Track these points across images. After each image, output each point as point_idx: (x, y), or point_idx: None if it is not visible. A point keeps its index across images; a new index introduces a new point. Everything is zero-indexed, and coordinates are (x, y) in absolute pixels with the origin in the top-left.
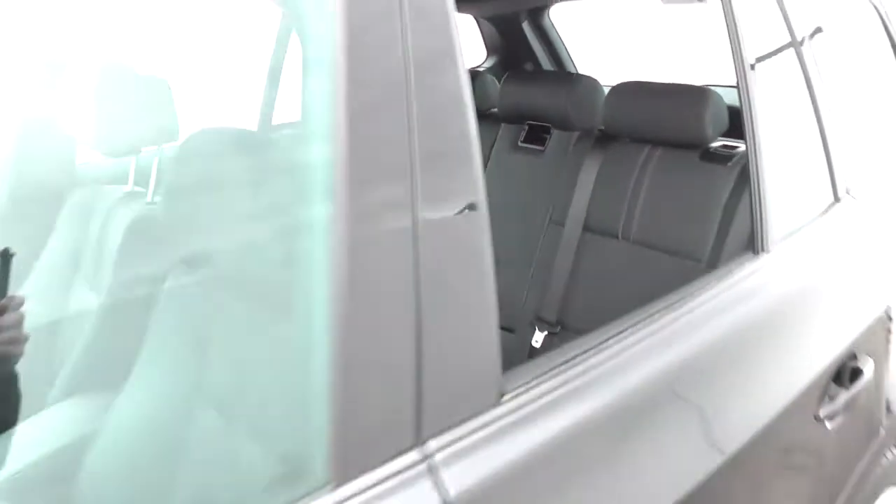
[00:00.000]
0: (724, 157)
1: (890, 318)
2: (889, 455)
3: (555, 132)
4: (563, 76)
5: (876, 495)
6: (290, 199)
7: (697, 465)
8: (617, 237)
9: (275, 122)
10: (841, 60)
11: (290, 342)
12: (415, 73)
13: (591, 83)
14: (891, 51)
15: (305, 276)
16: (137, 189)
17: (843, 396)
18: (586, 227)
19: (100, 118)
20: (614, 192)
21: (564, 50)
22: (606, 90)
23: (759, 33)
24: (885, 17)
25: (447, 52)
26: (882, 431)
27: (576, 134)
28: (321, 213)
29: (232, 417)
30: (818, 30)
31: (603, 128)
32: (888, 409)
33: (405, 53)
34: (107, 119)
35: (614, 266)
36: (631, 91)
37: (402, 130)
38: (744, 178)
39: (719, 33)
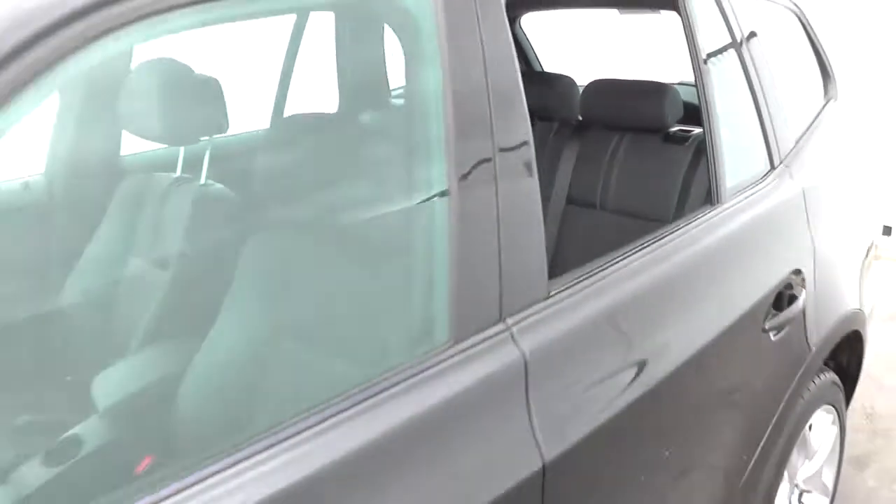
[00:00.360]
0: (681, 138)
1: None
2: (818, 379)
3: (538, 123)
4: (546, 76)
5: (806, 417)
6: (419, 152)
7: (678, 350)
8: (596, 207)
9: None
10: (771, 57)
11: (421, 248)
12: (488, 67)
13: (569, 81)
14: (810, 48)
15: (431, 199)
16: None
17: (783, 315)
18: (569, 200)
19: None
20: (592, 171)
21: (534, 54)
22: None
23: (710, 38)
24: (804, 19)
25: (507, 51)
26: (813, 349)
27: (556, 124)
28: (440, 162)
29: (381, 298)
30: (753, 33)
31: (580, 118)
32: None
33: (483, 53)
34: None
35: (594, 231)
36: (604, 87)
37: (484, 104)
38: (698, 155)
39: (668, 39)
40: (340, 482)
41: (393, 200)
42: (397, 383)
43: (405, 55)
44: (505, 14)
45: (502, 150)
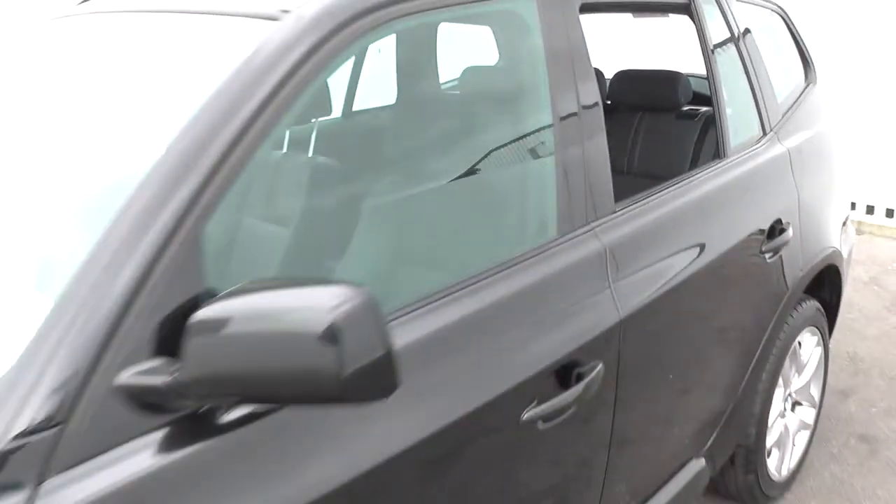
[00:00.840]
0: (691, 115)
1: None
2: (805, 304)
3: None
4: None
5: (796, 333)
6: (535, 106)
7: (703, 255)
8: (623, 173)
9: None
10: (762, 49)
11: (538, 172)
12: (573, 52)
13: (598, 71)
14: (792, 43)
15: (543, 140)
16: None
17: (774, 242)
18: None
19: None
20: (619, 144)
21: None
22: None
23: (715, 36)
24: (787, 20)
25: (581, 38)
26: (800, 273)
27: None
28: (548, 114)
29: (511, 207)
30: (747, 31)
31: (609, 102)
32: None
33: (568, 41)
34: None
35: (623, 192)
36: (629, 75)
37: (571, 77)
38: (705, 128)
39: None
40: (487, 321)
41: (519, 140)
42: (525, 260)
43: (519, 46)
44: (577, 11)
45: (584, 107)
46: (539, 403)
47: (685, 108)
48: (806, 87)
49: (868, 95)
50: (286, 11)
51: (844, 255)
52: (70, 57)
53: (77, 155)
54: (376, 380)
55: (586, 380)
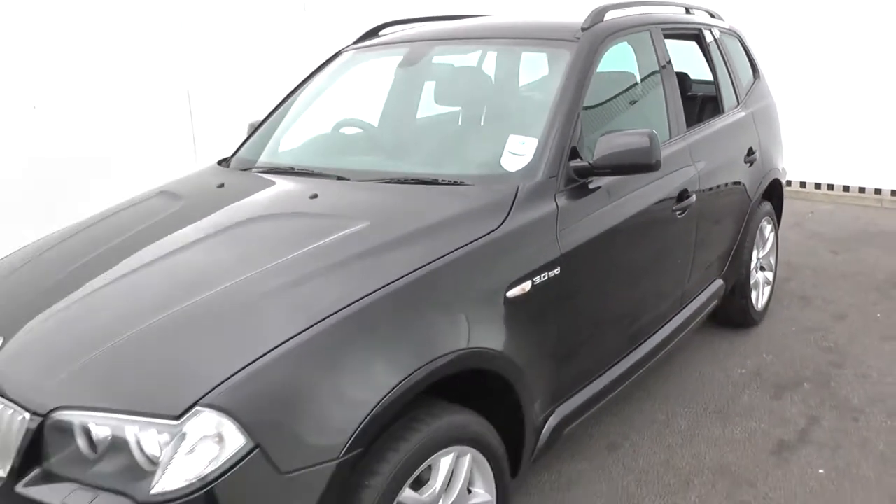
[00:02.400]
0: (692, 97)
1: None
2: (764, 204)
3: None
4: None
5: (759, 219)
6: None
7: (703, 168)
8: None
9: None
10: (735, 58)
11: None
12: (664, 75)
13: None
14: (745, 54)
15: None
16: None
17: (749, 158)
18: None
19: None
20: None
21: None
22: None
23: (712, 53)
24: (742, 39)
25: (663, 62)
26: (762, 179)
27: None
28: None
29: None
30: (726, 47)
31: None
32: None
33: (659, 57)
34: None
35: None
36: None
37: (660, 98)
38: (703, 103)
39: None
40: None
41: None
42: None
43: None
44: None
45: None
46: (681, 200)
47: (689, 94)
48: (755, 80)
49: (788, 89)
50: (580, 35)
51: (784, 176)
52: (407, 78)
53: None
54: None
55: (689, 195)
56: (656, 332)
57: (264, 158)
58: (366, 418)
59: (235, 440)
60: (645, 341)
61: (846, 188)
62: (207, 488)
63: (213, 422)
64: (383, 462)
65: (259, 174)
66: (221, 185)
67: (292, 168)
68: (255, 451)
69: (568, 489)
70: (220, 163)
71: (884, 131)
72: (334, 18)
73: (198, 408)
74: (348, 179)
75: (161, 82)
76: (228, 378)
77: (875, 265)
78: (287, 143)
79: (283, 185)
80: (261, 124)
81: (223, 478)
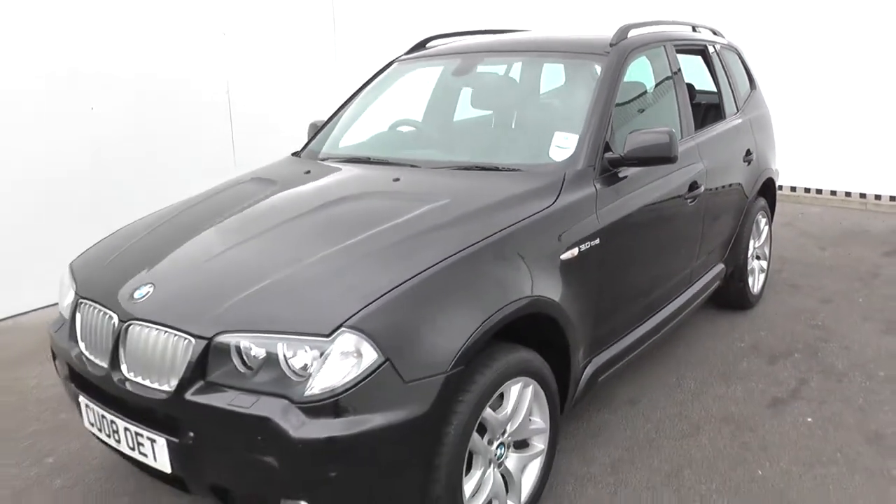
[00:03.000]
0: (696, 105)
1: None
2: (761, 199)
3: None
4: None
5: (755, 214)
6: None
7: (714, 162)
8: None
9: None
10: (734, 71)
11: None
12: (676, 80)
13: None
14: (743, 67)
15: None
16: None
17: (748, 157)
18: None
19: None
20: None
21: None
22: None
23: (715, 67)
24: (741, 54)
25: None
26: (758, 177)
27: None
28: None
29: None
30: (728, 61)
31: None
32: (758, 170)
33: (672, 69)
34: None
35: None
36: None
37: (674, 103)
38: (707, 110)
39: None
40: None
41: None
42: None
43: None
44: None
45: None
46: (691, 190)
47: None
48: (751, 91)
49: (781, 101)
50: (609, 50)
51: (776, 175)
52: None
53: None
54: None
55: (699, 186)
56: (671, 301)
57: (335, 151)
58: (466, 342)
59: (370, 355)
60: (662, 309)
61: (833, 192)
62: (349, 391)
63: (353, 341)
64: (472, 383)
65: (338, 163)
66: (308, 172)
67: (368, 158)
68: (385, 364)
69: (598, 434)
70: (294, 154)
71: (868, 141)
72: (362, 37)
73: (342, 329)
74: (419, 167)
75: (204, 89)
76: (364, 308)
77: (858, 259)
78: (350, 138)
79: (364, 171)
80: (326, 123)
81: (361, 384)
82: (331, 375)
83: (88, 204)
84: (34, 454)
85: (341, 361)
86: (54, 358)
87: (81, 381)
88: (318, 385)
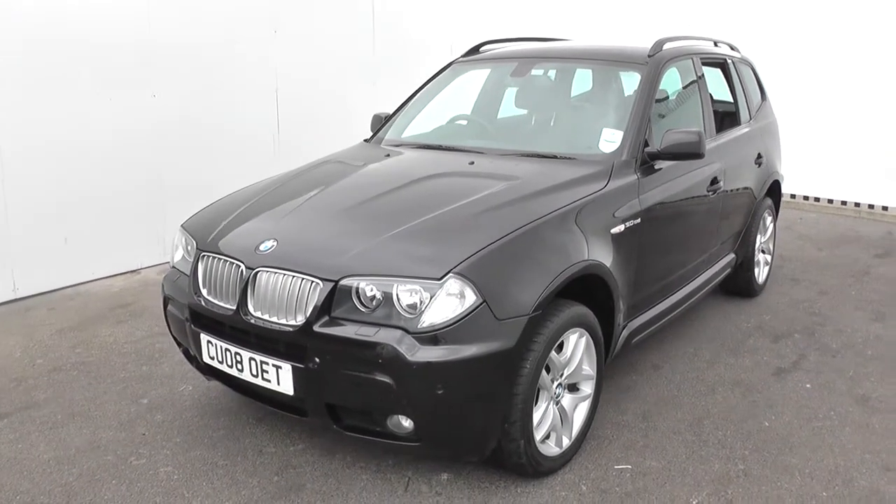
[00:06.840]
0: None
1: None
2: (767, 199)
3: None
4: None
5: (763, 210)
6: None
7: (730, 162)
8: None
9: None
10: (748, 83)
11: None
12: (700, 89)
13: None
14: (755, 80)
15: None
16: None
17: (759, 160)
18: None
19: None
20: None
21: None
22: None
23: (734, 80)
24: (753, 67)
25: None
26: (767, 178)
27: None
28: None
29: None
30: (743, 74)
31: None
32: (767, 172)
33: (697, 74)
34: None
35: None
36: None
37: (699, 109)
38: (723, 118)
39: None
40: None
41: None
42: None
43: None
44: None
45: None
46: (712, 184)
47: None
48: (762, 101)
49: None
50: (647, 60)
51: (782, 178)
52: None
53: None
54: (703, 153)
55: (718, 182)
56: (692, 280)
57: (404, 139)
58: (544, 291)
59: (471, 297)
60: (685, 286)
61: (830, 200)
62: (453, 325)
63: (458, 284)
64: (545, 327)
65: (412, 149)
66: (388, 155)
67: (440, 145)
68: (482, 305)
69: (626, 391)
70: (365, 141)
71: (864, 154)
72: (399, 34)
73: (451, 274)
74: (485, 154)
75: (255, 84)
76: (467, 258)
77: (852, 259)
78: (413, 129)
79: (439, 155)
80: (393, 114)
81: (463, 320)
82: (439, 312)
83: (145, 183)
84: (129, 396)
85: (448, 300)
86: (166, 306)
87: (202, 321)
88: (428, 319)
